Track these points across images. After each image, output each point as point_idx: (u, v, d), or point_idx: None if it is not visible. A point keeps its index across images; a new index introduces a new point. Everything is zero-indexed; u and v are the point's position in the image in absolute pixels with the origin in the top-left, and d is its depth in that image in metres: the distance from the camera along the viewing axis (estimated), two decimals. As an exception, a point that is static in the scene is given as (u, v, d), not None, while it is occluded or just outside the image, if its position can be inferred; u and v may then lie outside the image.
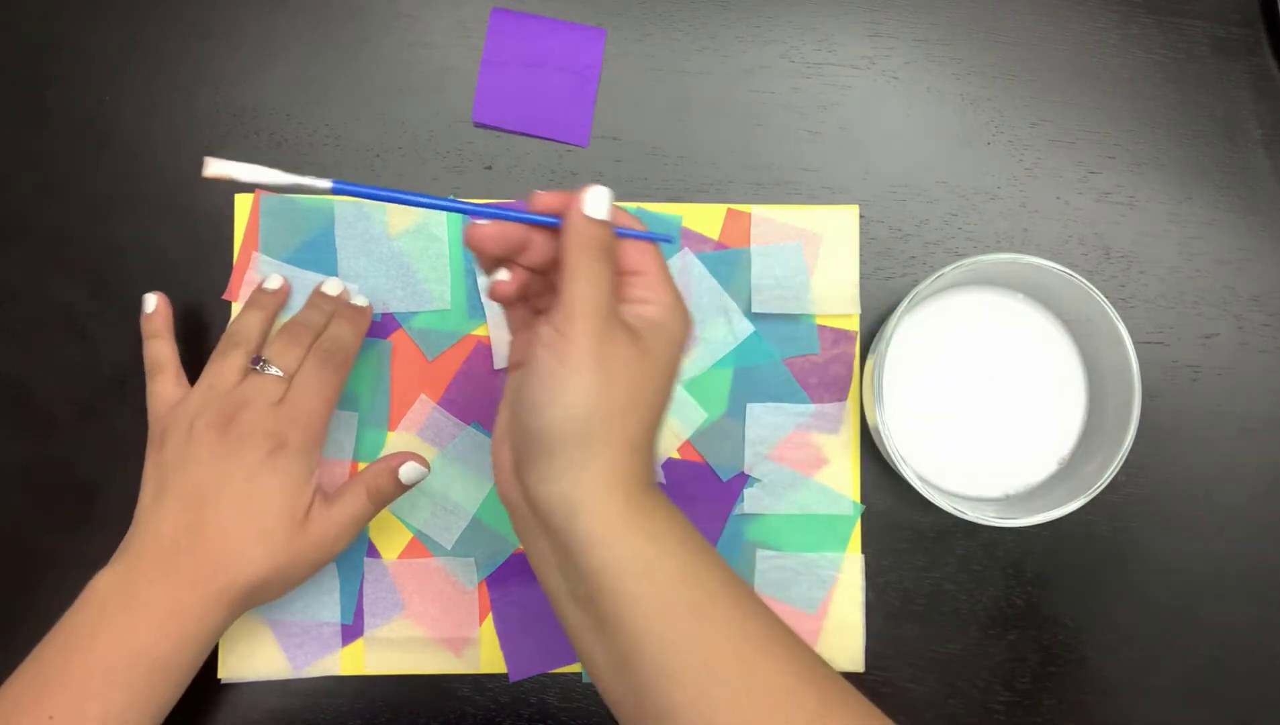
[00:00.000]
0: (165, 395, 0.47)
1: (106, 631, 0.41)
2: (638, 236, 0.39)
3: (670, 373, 0.38)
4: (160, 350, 0.48)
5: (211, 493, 0.43)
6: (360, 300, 0.50)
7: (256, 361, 0.46)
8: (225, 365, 0.46)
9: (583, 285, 0.36)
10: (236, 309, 0.51)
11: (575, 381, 0.35)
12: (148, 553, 0.43)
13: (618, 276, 0.38)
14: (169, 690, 0.42)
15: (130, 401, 0.51)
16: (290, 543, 0.44)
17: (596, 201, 0.37)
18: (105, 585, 0.42)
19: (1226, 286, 0.53)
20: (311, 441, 0.45)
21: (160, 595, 0.42)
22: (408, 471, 0.46)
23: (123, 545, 0.44)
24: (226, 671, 0.50)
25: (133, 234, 0.52)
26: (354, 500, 0.46)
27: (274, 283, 0.50)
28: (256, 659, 0.50)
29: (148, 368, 0.47)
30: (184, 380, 0.47)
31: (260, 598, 0.44)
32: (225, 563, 0.43)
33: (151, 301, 0.49)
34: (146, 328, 0.48)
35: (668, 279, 0.39)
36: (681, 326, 0.38)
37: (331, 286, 0.50)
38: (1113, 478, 0.45)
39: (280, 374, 0.46)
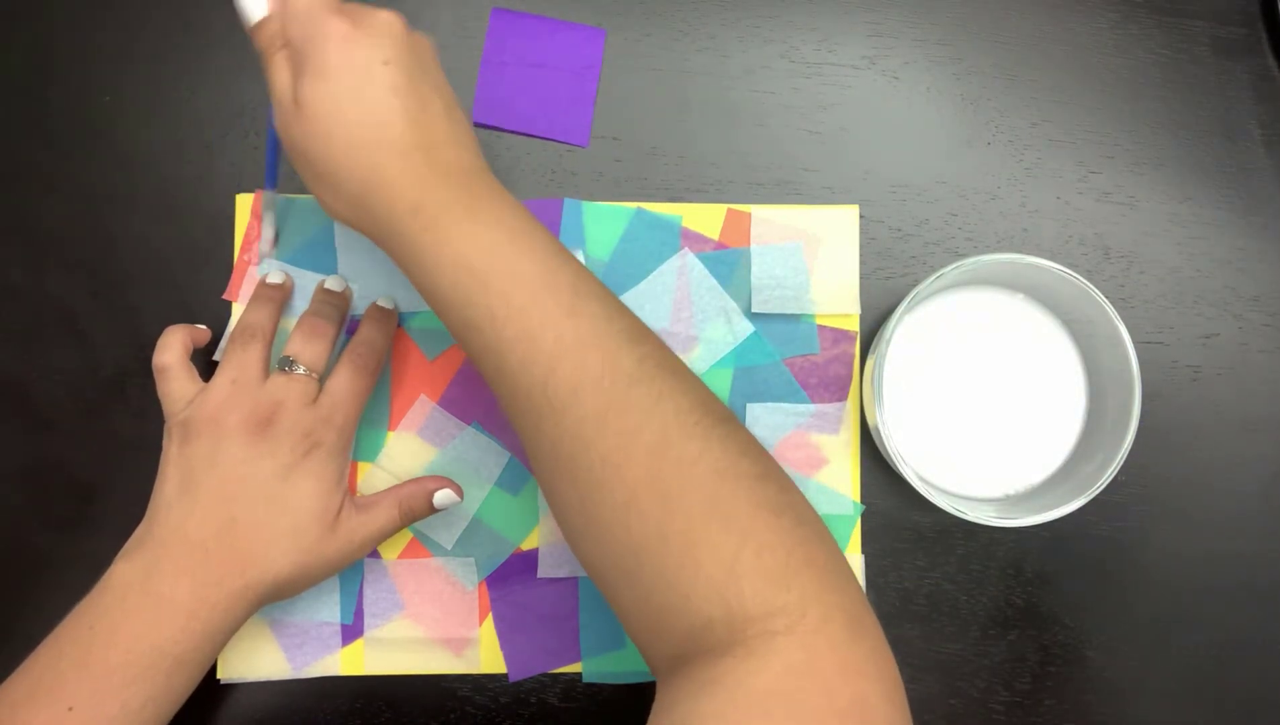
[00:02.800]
0: (180, 391, 0.46)
1: (127, 626, 0.41)
2: None
3: (355, 69, 0.39)
4: (170, 347, 0.47)
5: (244, 491, 0.43)
6: (386, 302, 0.50)
7: (285, 362, 0.46)
8: (246, 358, 0.46)
9: (271, 96, 0.41)
10: (236, 309, 0.51)
11: (316, 185, 0.41)
12: (172, 548, 0.43)
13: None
14: (187, 685, 0.43)
15: (130, 401, 0.51)
16: (319, 543, 0.45)
17: (249, 9, 0.41)
18: (125, 579, 0.42)
19: (1226, 286, 0.53)
20: (344, 443, 0.46)
21: (184, 592, 0.42)
22: (442, 498, 0.48)
23: (138, 537, 0.44)
24: (226, 671, 0.50)
25: (132, 234, 0.52)
26: (385, 513, 0.47)
27: (277, 277, 0.50)
28: (256, 659, 0.50)
29: (156, 367, 0.47)
30: (195, 375, 0.47)
31: (280, 595, 0.45)
32: (254, 560, 0.43)
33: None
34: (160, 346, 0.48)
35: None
36: (328, 26, 0.39)
37: (334, 283, 0.50)
38: (1113, 478, 0.45)
39: (306, 372, 0.46)
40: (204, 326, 0.49)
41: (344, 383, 0.46)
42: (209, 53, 0.53)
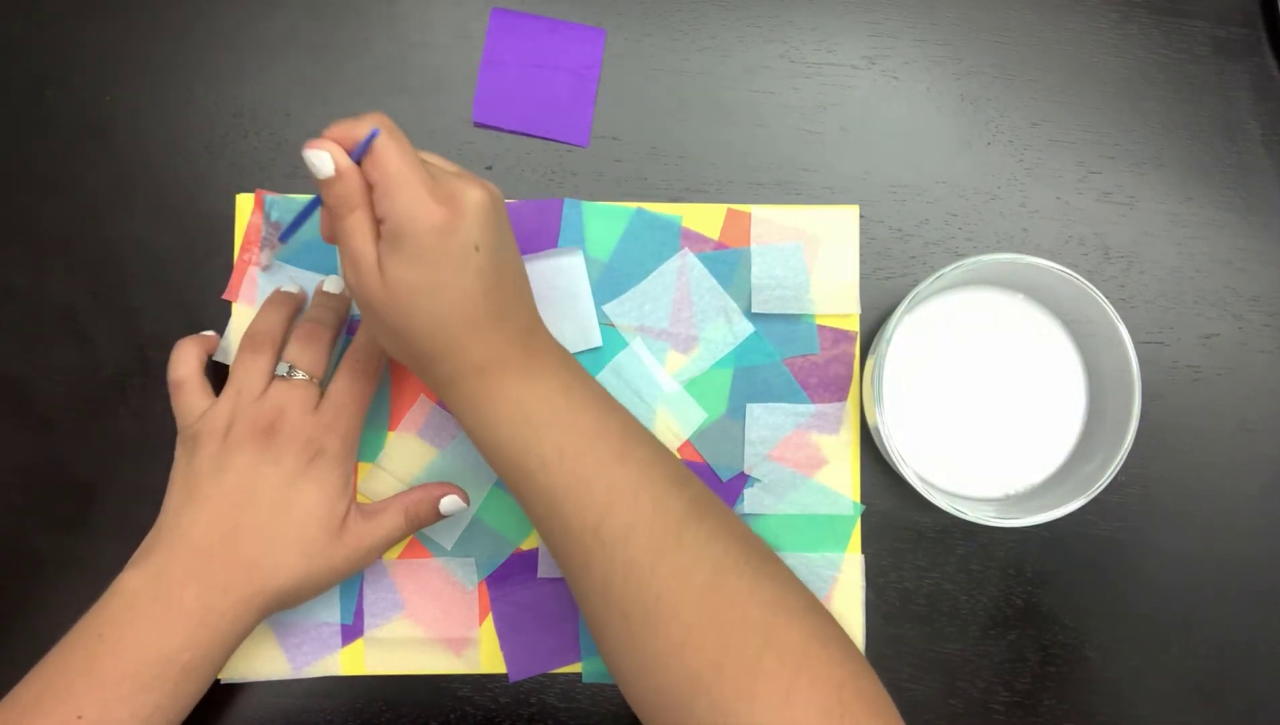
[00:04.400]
0: (192, 406, 0.46)
1: (135, 634, 0.41)
2: (361, 149, 0.39)
3: (450, 258, 0.39)
4: (185, 361, 0.47)
5: (248, 498, 0.43)
6: None
7: (284, 368, 0.46)
8: (253, 370, 0.46)
9: (343, 250, 0.40)
10: (237, 309, 0.51)
11: (382, 337, 0.42)
12: (179, 556, 0.43)
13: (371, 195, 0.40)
14: (195, 692, 0.43)
15: (130, 401, 0.51)
16: (325, 550, 0.45)
17: (316, 166, 0.39)
18: (133, 587, 0.42)
19: (1226, 286, 0.53)
20: (348, 449, 0.46)
21: (192, 600, 0.42)
22: (448, 504, 0.48)
23: (147, 546, 0.44)
24: (226, 671, 0.50)
25: (133, 234, 0.52)
26: (392, 520, 0.47)
27: (291, 287, 0.50)
28: (256, 659, 0.50)
29: (171, 382, 0.47)
30: (209, 389, 0.47)
31: (287, 603, 0.45)
32: (260, 568, 0.43)
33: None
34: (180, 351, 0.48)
35: (395, 178, 0.38)
36: (427, 215, 0.38)
37: (333, 285, 0.50)
38: (1113, 478, 0.45)
39: (306, 378, 0.46)
40: (211, 332, 0.49)
41: (344, 387, 0.46)
42: (209, 53, 0.53)
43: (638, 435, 0.43)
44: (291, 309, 0.49)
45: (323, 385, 0.47)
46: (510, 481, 0.42)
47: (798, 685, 0.37)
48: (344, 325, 0.50)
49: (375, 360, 0.48)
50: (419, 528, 0.48)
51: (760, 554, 0.41)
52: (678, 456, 0.43)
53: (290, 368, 0.46)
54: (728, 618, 0.38)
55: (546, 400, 0.41)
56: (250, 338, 0.47)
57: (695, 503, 0.41)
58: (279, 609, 0.45)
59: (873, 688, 0.39)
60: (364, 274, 0.40)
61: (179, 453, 0.46)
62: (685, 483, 0.42)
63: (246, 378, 0.46)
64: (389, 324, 0.41)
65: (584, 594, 0.41)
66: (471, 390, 0.41)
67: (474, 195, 0.39)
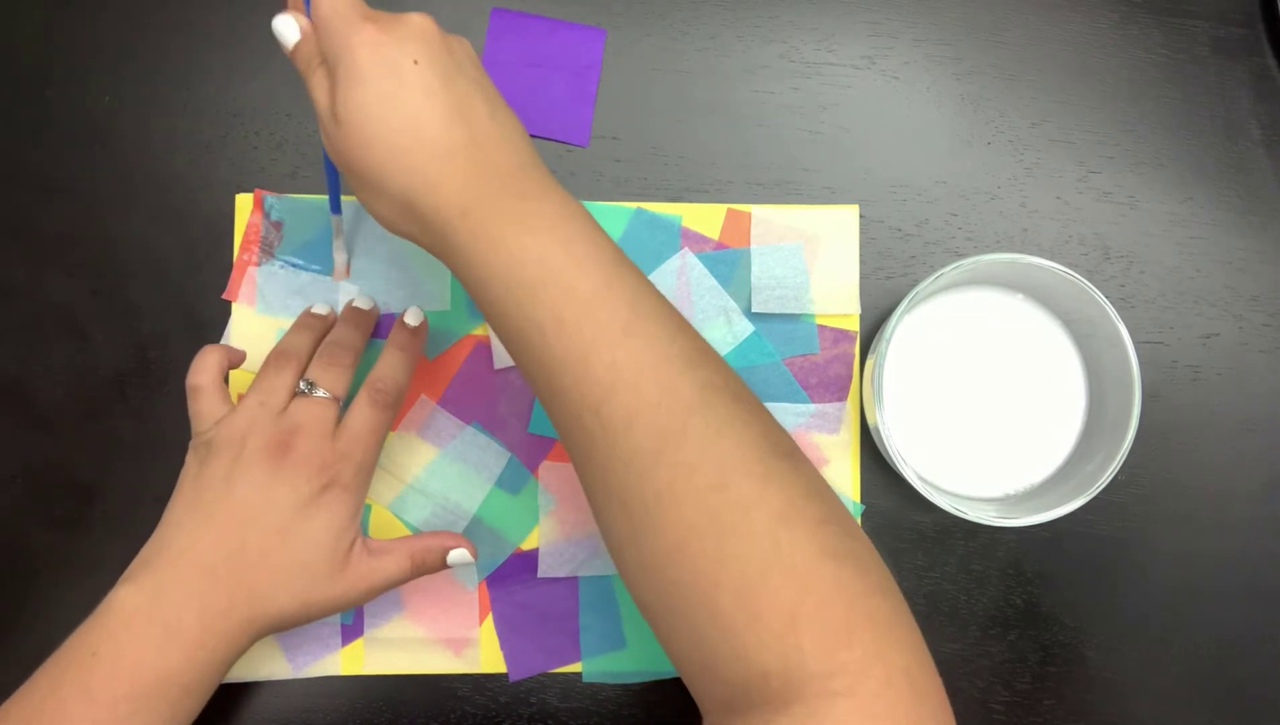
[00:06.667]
0: (210, 411, 0.45)
1: (133, 654, 0.40)
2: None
3: (385, 73, 0.38)
4: (208, 367, 0.46)
5: (257, 518, 0.42)
6: (412, 318, 0.49)
7: (306, 385, 0.45)
8: (277, 383, 0.45)
9: (317, 115, 0.41)
10: (236, 309, 0.51)
11: (364, 195, 0.40)
12: (180, 571, 0.42)
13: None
14: (192, 712, 0.42)
15: (130, 402, 0.51)
16: (326, 583, 0.43)
17: (284, 34, 0.41)
18: (131, 604, 0.41)
19: (1226, 286, 0.53)
20: (362, 481, 0.45)
21: (192, 620, 0.41)
22: (456, 557, 0.46)
23: (144, 558, 0.43)
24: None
25: (133, 234, 0.52)
26: (397, 563, 0.45)
27: (321, 309, 0.49)
28: (256, 659, 0.50)
29: (190, 386, 0.46)
30: (228, 397, 0.46)
31: (279, 629, 0.44)
32: (261, 592, 0.42)
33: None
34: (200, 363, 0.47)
35: (328, 12, 0.39)
36: (355, 32, 0.38)
37: (363, 302, 0.49)
38: (1113, 478, 0.45)
39: (327, 396, 0.45)
40: (241, 349, 0.48)
41: (364, 416, 0.45)
42: (209, 53, 0.53)
43: (649, 305, 0.38)
44: (320, 331, 0.48)
45: (343, 408, 0.46)
46: (511, 351, 0.39)
47: (803, 608, 0.34)
48: (368, 338, 0.49)
49: (396, 391, 0.46)
50: (423, 574, 0.47)
51: (780, 452, 0.37)
52: (695, 331, 0.38)
53: (311, 385, 0.45)
54: (730, 523, 0.34)
55: (542, 256, 0.37)
56: (277, 354, 0.46)
57: (708, 387, 0.36)
58: (269, 633, 0.44)
59: (888, 608, 0.35)
60: (325, 125, 0.40)
61: (190, 459, 0.45)
62: (699, 363, 0.37)
63: (270, 392, 0.45)
64: (357, 169, 0.39)
65: (587, 483, 0.38)
66: (460, 238, 0.38)
67: (413, 17, 0.39)
